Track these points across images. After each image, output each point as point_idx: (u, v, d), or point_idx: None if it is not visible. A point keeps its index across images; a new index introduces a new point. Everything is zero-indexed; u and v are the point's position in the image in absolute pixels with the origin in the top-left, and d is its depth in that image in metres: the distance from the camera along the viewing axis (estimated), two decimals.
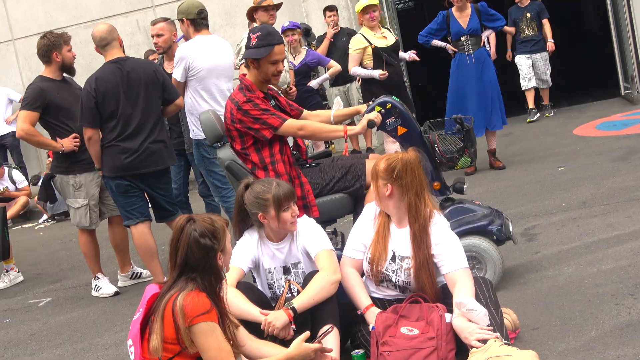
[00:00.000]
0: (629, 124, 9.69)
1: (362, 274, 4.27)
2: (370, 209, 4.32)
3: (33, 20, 13.81)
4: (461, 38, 8.79)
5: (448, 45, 8.93)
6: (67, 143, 6.49)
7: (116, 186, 6.17)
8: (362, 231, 4.29)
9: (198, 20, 6.60)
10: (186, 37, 6.86)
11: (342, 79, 11.43)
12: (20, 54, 13.95)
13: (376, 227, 4.22)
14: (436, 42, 9.01)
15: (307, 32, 12.26)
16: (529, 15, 12.18)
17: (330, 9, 11.61)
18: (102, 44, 6.20)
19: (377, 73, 8.30)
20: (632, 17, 11.92)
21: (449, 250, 4.05)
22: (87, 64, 8.70)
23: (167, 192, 6.50)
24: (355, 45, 8.55)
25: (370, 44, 8.44)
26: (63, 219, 11.81)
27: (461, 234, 4.79)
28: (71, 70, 6.75)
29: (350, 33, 11.28)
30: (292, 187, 4.31)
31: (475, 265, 4.84)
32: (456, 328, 3.77)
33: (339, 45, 11.31)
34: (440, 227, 4.13)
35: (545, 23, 12.11)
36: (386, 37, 8.56)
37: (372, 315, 4.02)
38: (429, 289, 4.05)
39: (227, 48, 6.80)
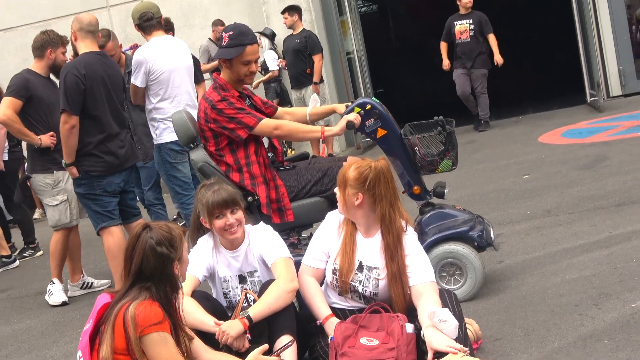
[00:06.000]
0: (594, 132, 9.71)
1: (321, 284, 4.17)
2: (333, 217, 4.22)
3: None
4: None
5: None
6: (46, 139, 6.51)
7: (107, 184, 6.01)
8: (324, 240, 4.17)
9: (142, 24, 6.60)
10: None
11: (297, 82, 11.35)
12: None
13: (342, 237, 4.10)
14: None
15: (272, 36, 12.17)
16: None
17: (285, 10, 11.37)
18: (90, 29, 6.11)
19: None
20: (599, 24, 11.98)
21: (419, 263, 3.97)
22: None
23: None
24: None
25: None
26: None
27: (442, 240, 4.74)
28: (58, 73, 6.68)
29: (308, 36, 11.17)
30: (235, 196, 4.14)
31: (455, 271, 4.77)
32: (427, 337, 3.66)
33: (291, 47, 11.21)
34: (411, 239, 4.06)
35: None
36: None
37: (332, 325, 3.91)
38: (400, 300, 3.95)
39: (185, 48, 6.73)
